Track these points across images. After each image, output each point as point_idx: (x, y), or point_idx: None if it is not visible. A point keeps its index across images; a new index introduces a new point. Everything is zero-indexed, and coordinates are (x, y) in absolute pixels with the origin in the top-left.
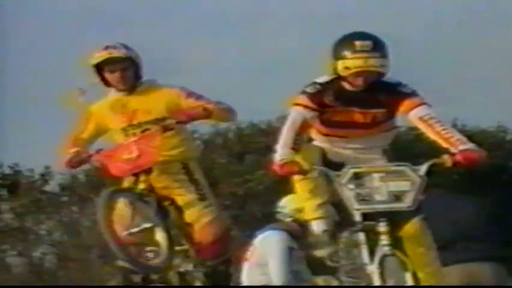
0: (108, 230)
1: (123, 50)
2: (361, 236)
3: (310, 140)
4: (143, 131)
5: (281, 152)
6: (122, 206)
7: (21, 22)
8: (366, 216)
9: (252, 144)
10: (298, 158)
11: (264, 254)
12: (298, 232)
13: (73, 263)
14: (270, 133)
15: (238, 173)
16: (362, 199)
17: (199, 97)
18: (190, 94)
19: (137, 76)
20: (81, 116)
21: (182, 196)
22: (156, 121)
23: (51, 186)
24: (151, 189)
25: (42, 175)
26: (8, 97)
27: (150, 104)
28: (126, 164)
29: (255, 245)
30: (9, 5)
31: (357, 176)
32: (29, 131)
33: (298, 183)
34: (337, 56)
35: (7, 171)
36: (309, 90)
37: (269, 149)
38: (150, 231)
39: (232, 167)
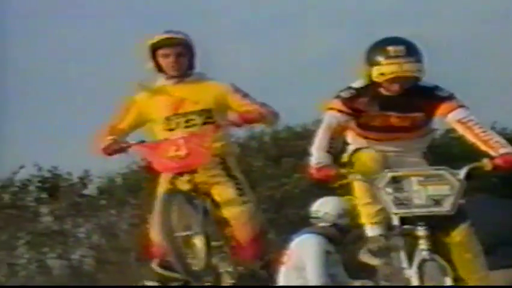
0: (166, 234)
1: (182, 35)
2: (399, 240)
3: (346, 144)
4: (187, 121)
5: (317, 155)
6: (175, 208)
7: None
8: (404, 220)
9: (288, 148)
10: (360, 163)
11: (301, 258)
12: (335, 236)
13: (111, 266)
14: (306, 136)
15: (274, 176)
16: (400, 203)
17: (245, 95)
18: (237, 90)
19: (191, 65)
20: (122, 105)
21: (220, 192)
22: (201, 112)
23: (90, 190)
24: (195, 189)
25: (81, 178)
26: (47, 101)
27: (198, 95)
28: (172, 161)
29: (291, 248)
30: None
31: (395, 180)
32: (69, 135)
33: (359, 187)
34: (371, 62)
35: (46, 174)
36: (344, 94)
37: (305, 153)
38: (193, 237)
39: (268, 170)
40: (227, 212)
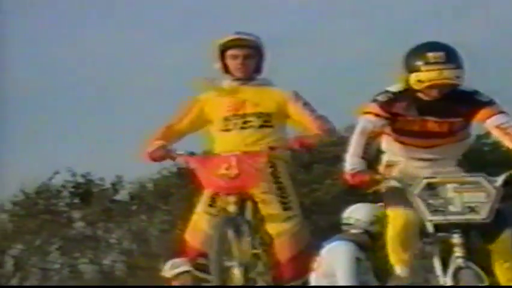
0: (217, 262)
1: (253, 37)
2: (434, 248)
3: (380, 151)
4: (244, 122)
5: (351, 161)
6: (228, 234)
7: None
8: (439, 228)
9: (320, 154)
10: (396, 173)
11: (331, 265)
12: (366, 243)
13: (141, 271)
14: (338, 143)
15: (305, 182)
16: (435, 210)
17: (305, 104)
18: (298, 99)
19: (258, 68)
20: (184, 105)
21: (266, 205)
22: (260, 115)
23: (121, 195)
24: (242, 211)
25: (113, 184)
26: (82, 108)
27: (259, 98)
28: (221, 180)
29: (322, 255)
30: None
31: (430, 187)
32: (102, 140)
33: (391, 230)
34: (409, 68)
35: (80, 179)
36: (381, 98)
37: (337, 159)
38: (233, 268)
39: (299, 176)
40: (270, 228)
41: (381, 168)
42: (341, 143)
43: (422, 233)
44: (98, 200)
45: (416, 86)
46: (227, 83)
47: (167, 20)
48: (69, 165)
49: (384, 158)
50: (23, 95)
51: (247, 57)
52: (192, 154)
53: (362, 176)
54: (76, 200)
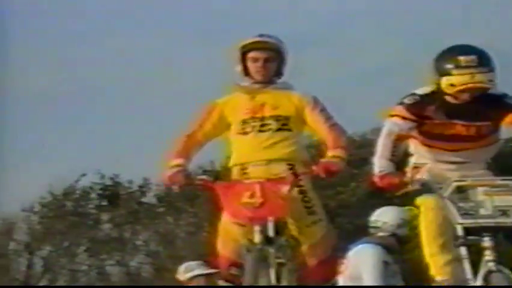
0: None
1: (275, 40)
2: (463, 251)
3: (408, 153)
4: (262, 125)
5: (379, 163)
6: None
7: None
8: (469, 231)
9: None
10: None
11: (358, 268)
12: (394, 246)
13: (168, 274)
14: (364, 145)
15: (330, 185)
16: (465, 213)
17: (322, 111)
18: (316, 106)
19: (278, 72)
20: (202, 110)
21: (289, 211)
22: (279, 118)
23: (148, 198)
24: (268, 241)
25: (141, 186)
26: (110, 111)
27: (279, 101)
28: (245, 209)
29: (348, 258)
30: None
31: (460, 190)
32: (130, 143)
33: (427, 235)
34: (440, 72)
35: (108, 182)
36: (408, 101)
37: (363, 161)
38: None
39: (324, 178)
40: (295, 233)
41: (408, 170)
42: (366, 145)
43: (453, 236)
44: (126, 202)
45: (448, 90)
46: (246, 85)
47: (192, 22)
48: (97, 168)
49: (412, 161)
50: (51, 97)
51: (268, 60)
52: (215, 181)
53: (390, 178)
54: (104, 202)
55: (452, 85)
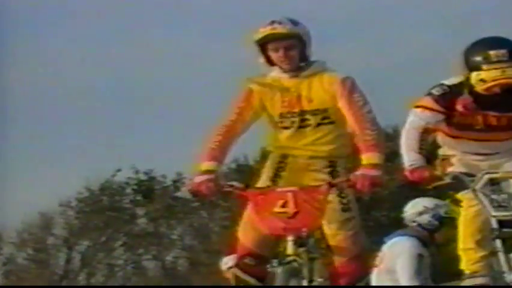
0: None
1: (288, 25)
2: (498, 244)
3: (435, 145)
4: (302, 121)
5: (408, 156)
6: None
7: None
8: (503, 223)
9: None
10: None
11: (394, 260)
12: (428, 239)
13: (204, 268)
14: (396, 138)
15: None
16: (498, 205)
17: (353, 95)
18: (345, 90)
19: (303, 56)
20: (237, 99)
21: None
22: (316, 111)
23: (183, 192)
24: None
25: (175, 181)
26: (145, 106)
27: (314, 92)
28: (277, 219)
29: (384, 251)
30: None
31: (493, 182)
32: (164, 138)
33: (464, 229)
34: (470, 66)
35: (142, 177)
36: (436, 92)
37: (395, 154)
38: None
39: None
40: (327, 229)
41: (437, 163)
42: (399, 137)
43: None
44: (160, 197)
45: (478, 86)
46: (276, 74)
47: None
48: (132, 163)
49: (440, 153)
50: (86, 92)
51: (289, 48)
52: (247, 187)
53: (421, 172)
54: (139, 197)
55: (482, 80)
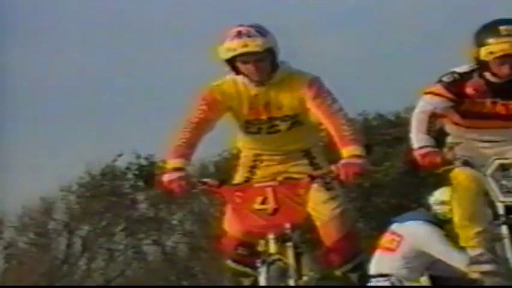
0: None
1: (259, 39)
2: (504, 230)
3: (442, 132)
4: (270, 127)
5: (417, 138)
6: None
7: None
8: (510, 210)
9: (379, 136)
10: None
11: (417, 246)
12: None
13: (204, 253)
14: (398, 124)
15: None
16: (507, 191)
17: (323, 96)
18: (314, 92)
19: (273, 66)
20: (202, 94)
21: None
22: (285, 118)
23: None
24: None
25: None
26: (146, 91)
27: (283, 98)
28: (257, 216)
29: (401, 235)
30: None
31: (503, 168)
32: (166, 122)
33: (457, 207)
34: (479, 43)
35: (143, 162)
36: (446, 79)
37: (397, 140)
38: None
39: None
40: (312, 210)
41: (445, 151)
42: (400, 123)
43: (493, 215)
44: (157, 183)
45: (487, 58)
46: (243, 80)
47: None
48: (133, 148)
49: (448, 140)
50: (87, 78)
51: (260, 61)
52: (222, 183)
53: (432, 157)
54: (140, 182)
55: (491, 53)
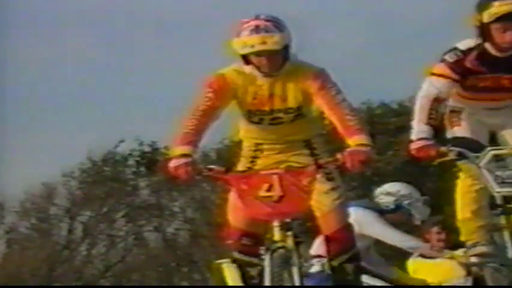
0: None
1: (277, 36)
2: (502, 220)
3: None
4: (272, 119)
5: (417, 128)
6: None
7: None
8: (508, 199)
9: (383, 125)
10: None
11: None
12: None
13: (204, 240)
14: (402, 113)
15: None
16: (502, 181)
17: (329, 88)
18: (323, 85)
19: (285, 59)
20: (209, 82)
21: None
22: (289, 110)
23: None
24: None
25: None
26: (148, 78)
27: (289, 90)
28: (263, 204)
29: None
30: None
31: (498, 158)
32: (170, 109)
33: (461, 199)
34: (482, 7)
35: (146, 149)
36: (449, 58)
37: (400, 130)
38: None
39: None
40: (312, 201)
41: (446, 117)
42: (404, 113)
43: (491, 205)
44: (163, 168)
45: (490, 19)
46: (252, 70)
47: None
48: (136, 134)
49: (449, 103)
50: (89, 62)
51: (272, 54)
52: (228, 170)
53: (427, 150)
54: (142, 169)
55: (494, 14)
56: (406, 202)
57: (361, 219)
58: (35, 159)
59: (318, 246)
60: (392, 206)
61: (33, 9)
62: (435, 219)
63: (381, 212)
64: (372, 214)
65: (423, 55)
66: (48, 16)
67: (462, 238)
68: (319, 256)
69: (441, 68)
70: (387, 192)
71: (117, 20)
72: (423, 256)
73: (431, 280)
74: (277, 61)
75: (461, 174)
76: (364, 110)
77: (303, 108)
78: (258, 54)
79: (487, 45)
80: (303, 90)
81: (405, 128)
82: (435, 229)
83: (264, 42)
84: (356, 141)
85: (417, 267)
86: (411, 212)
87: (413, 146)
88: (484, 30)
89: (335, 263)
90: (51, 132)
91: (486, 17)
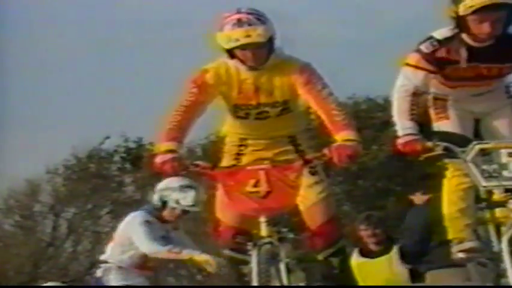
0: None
1: (260, 28)
2: (487, 214)
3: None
4: (259, 113)
5: (401, 124)
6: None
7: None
8: (492, 193)
9: (368, 120)
10: (447, 128)
11: (127, 233)
12: (157, 215)
13: (190, 236)
14: (387, 108)
15: None
16: (489, 176)
17: (315, 82)
18: (309, 79)
19: (270, 52)
20: (194, 78)
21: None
22: (275, 104)
23: None
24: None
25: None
26: (133, 74)
27: (274, 84)
28: (250, 199)
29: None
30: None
31: (484, 152)
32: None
33: (448, 198)
34: (457, 0)
35: (132, 145)
36: (425, 48)
37: (386, 124)
38: None
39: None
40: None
41: (429, 104)
42: (389, 107)
43: (475, 198)
44: (149, 164)
45: (466, 12)
46: (236, 65)
47: None
48: (121, 130)
49: (432, 90)
50: (74, 59)
51: (258, 48)
52: (214, 167)
53: (413, 145)
54: (127, 165)
55: (470, 6)
56: (165, 194)
57: (128, 224)
58: (18, 156)
59: (108, 251)
60: (159, 203)
61: (23, 9)
62: (363, 216)
63: (157, 209)
64: (138, 219)
65: (409, 50)
66: (36, 13)
67: (449, 236)
68: (104, 262)
69: (417, 59)
70: (160, 189)
71: (100, 18)
72: (363, 255)
73: (374, 278)
74: (263, 54)
75: (448, 173)
76: (350, 104)
77: (290, 102)
78: (243, 47)
79: (464, 36)
80: (289, 84)
81: (391, 123)
82: (362, 226)
83: (248, 36)
84: (343, 136)
85: (361, 267)
86: (174, 205)
87: (400, 140)
88: (460, 22)
89: (320, 257)
90: (35, 129)
91: (462, 9)
